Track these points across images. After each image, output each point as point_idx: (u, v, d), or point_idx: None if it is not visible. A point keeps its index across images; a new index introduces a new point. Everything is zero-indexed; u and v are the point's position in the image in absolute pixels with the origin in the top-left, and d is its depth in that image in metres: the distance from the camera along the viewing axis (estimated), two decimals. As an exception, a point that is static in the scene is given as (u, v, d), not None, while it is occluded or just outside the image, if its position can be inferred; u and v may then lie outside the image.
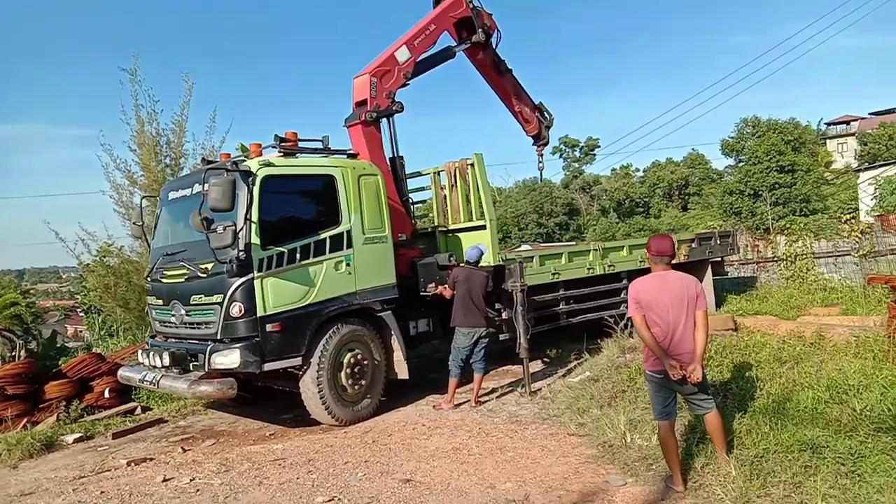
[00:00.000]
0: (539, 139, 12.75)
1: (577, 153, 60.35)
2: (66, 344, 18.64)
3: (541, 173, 13.91)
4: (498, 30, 11.18)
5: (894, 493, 4.31)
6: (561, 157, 60.74)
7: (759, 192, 40.02)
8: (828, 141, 63.64)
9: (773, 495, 4.61)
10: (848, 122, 65.56)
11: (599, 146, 59.67)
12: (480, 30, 10.67)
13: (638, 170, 61.69)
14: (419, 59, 9.81)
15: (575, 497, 5.22)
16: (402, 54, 9.50)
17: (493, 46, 11.26)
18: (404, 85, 9.58)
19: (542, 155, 13.18)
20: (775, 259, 16.66)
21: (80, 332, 29.76)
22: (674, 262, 11.58)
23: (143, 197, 9.94)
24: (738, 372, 7.22)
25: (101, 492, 6.11)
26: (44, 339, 17.54)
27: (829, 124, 66.62)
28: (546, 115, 12.60)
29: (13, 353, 14.54)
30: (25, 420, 8.52)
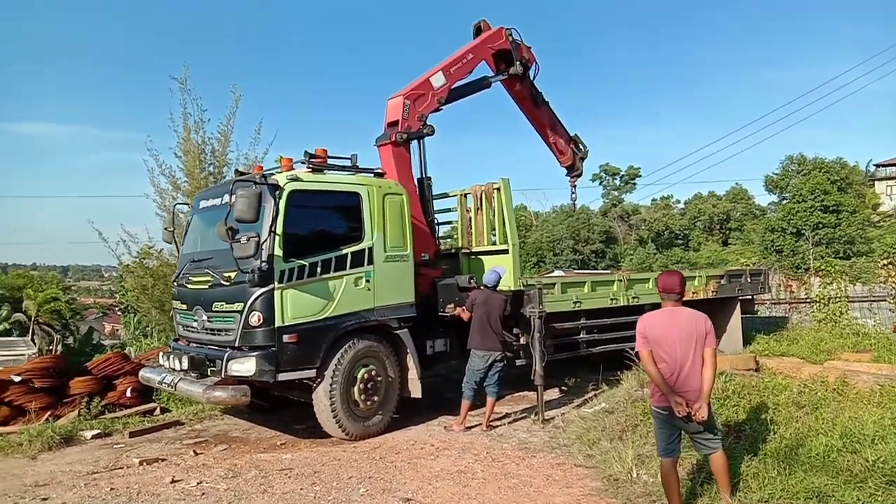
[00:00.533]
0: (573, 170, 12.83)
1: (617, 181, 59.93)
2: (102, 341, 19.12)
3: (574, 204, 13.98)
4: (536, 62, 11.31)
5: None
6: (601, 184, 60.35)
7: (802, 231, 39.23)
8: (876, 182, 62.09)
9: (773, 542, 4.52)
10: (899, 165, 63.89)
11: (640, 175, 59.19)
12: (519, 62, 10.82)
13: (679, 201, 60.91)
14: (454, 86, 9.95)
15: (572, 529, 5.18)
16: (438, 80, 9.65)
17: (531, 79, 11.38)
18: (437, 110, 9.72)
19: (575, 186, 13.28)
20: (808, 301, 16.31)
21: (117, 330, 30.47)
22: (702, 298, 11.49)
23: (177, 203, 10.21)
24: (754, 413, 7.09)
25: (111, 488, 6.25)
26: (80, 336, 18.06)
27: (878, 165, 65.03)
28: (581, 147, 12.66)
29: (50, 347, 14.99)
30: (49, 413, 8.77)
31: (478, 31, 10.75)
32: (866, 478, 5.21)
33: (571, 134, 12.50)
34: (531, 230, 56.83)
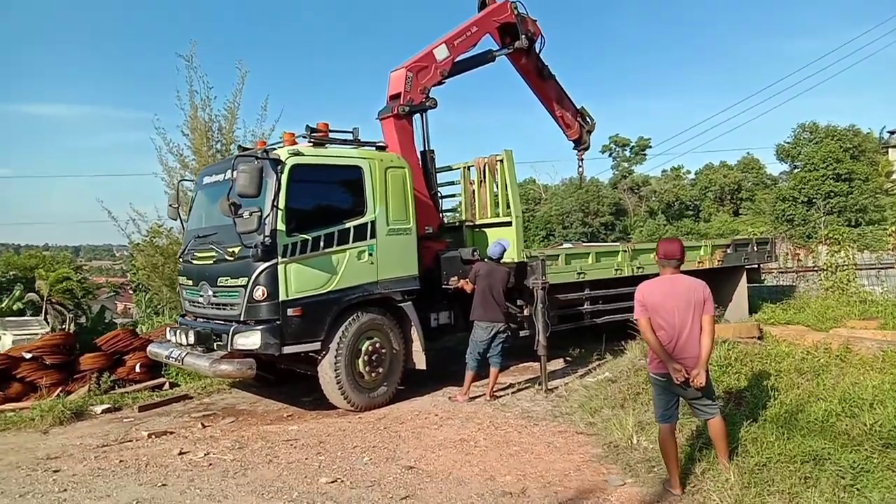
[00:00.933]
0: (580, 144, 12.76)
1: (627, 153, 59.59)
2: (115, 320, 19.35)
3: (581, 177, 13.89)
4: (542, 35, 11.25)
5: (889, 510, 4.24)
6: (610, 155, 60.09)
7: (814, 200, 38.99)
8: (890, 150, 61.33)
9: (769, 504, 4.58)
10: (913, 131, 63.03)
11: (651, 146, 58.84)
12: (524, 36, 10.75)
13: (689, 172, 60.54)
14: (458, 58, 9.90)
15: (572, 493, 5.26)
16: (441, 52, 9.59)
17: (537, 52, 11.30)
18: (440, 83, 9.68)
19: (582, 159, 13.28)
20: (815, 269, 16.25)
21: (129, 308, 30.79)
22: (708, 267, 11.50)
23: (181, 180, 10.27)
24: (756, 380, 7.11)
25: (121, 460, 6.39)
26: (93, 314, 18.26)
27: (892, 133, 64.16)
28: (588, 119, 12.58)
29: (63, 326, 15.19)
30: (60, 389, 8.94)
31: (482, 4, 10.69)
32: (863, 441, 5.24)
33: (578, 107, 12.43)
34: (540, 203, 56.79)
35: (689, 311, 4.91)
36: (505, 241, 8.75)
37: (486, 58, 10.74)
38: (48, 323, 15.79)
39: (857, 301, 13.22)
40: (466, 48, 10.06)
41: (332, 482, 5.64)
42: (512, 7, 10.62)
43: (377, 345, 8.13)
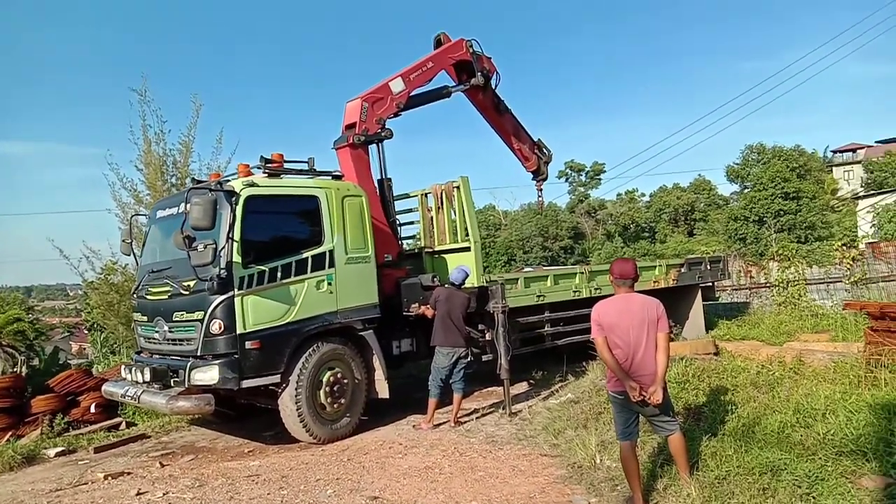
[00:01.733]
0: (538, 175, 13.03)
1: (582, 177, 60.58)
2: (70, 360, 18.78)
3: (541, 207, 14.10)
4: (497, 72, 11.50)
5: (844, 516, 4.34)
6: (567, 181, 61.01)
7: (764, 219, 40.08)
8: (834, 168, 63.63)
9: (729, 517, 4.64)
10: (854, 150, 65.52)
11: (605, 171, 59.94)
12: (480, 73, 10.99)
13: (644, 195, 61.83)
14: (413, 92, 10.04)
15: (537, 516, 5.26)
16: (397, 85, 9.72)
17: (493, 88, 11.54)
18: (396, 115, 9.80)
19: (541, 189, 13.53)
20: (768, 285, 16.67)
21: (84, 349, 29.92)
22: (663, 287, 11.71)
23: (134, 215, 10.11)
24: (713, 395, 7.25)
25: (75, 504, 6.19)
26: (46, 356, 17.72)
27: (835, 152, 66.62)
28: (545, 151, 12.89)
29: (14, 369, 14.69)
30: (10, 434, 8.65)
31: (438, 43, 10.94)
32: (817, 450, 5.37)
33: (535, 139, 12.72)
34: (501, 229, 57.24)
35: (644, 329, 4.99)
36: (466, 267, 8.81)
37: (441, 93, 10.95)
38: (-2, 366, 15.25)
39: (808, 315, 13.60)
40: (422, 82, 10.23)
41: (295, 516, 5.55)
42: (467, 45, 10.88)
43: (339, 375, 8.06)
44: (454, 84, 11.08)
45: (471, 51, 10.90)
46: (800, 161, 48.32)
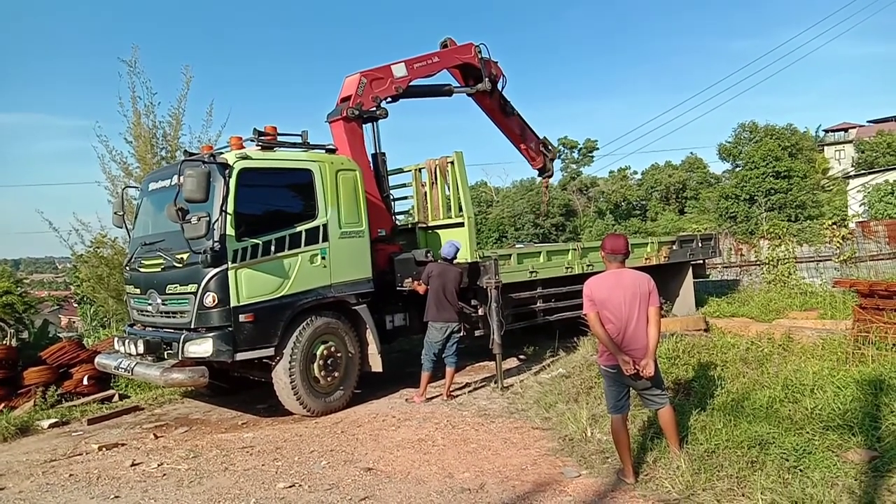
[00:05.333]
0: (544, 171, 13.22)
1: (575, 154, 60.49)
2: (59, 334, 18.76)
3: (545, 205, 14.34)
4: (504, 75, 11.56)
5: (829, 487, 4.42)
6: (559, 158, 60.88)
7: (755, 198, 40.21)
8: (825, 148, 63.83)
9: (718, 488, 4.72)
10: (846, 130, 65.72)
11: (598, 148, 59.85)
12: (487, 79, 11.06)
13: (636, 172, 61.85)
14: (414, 81, 10.02)
15: (528, 487, 5.34)
16: (399, 70, 9.71)
17: (500, 90, 11.57)
18: (394, 99, 9.82)
19: (547, 186, 13.85)
20: (758, 263, 16.81)
21: (74, 322, 29.86)
22: (655, 264, 11.78)
23: (125, 187, 10.05)
24: (703, 371, 7.33)
25: (70, 475, 6.22)
26: (35, 329, 17.69)
27: (826, 131, 66.78)
28: (550, 148, 13.09)
29: (4, 342, 14.66)
30: (3, 405, 8.66)
31: (444, 47, 10.89)
32: (805, 425, 5.46)
33: (540, 137, 12.81)
34: (492, 206, 57.21)
35: (636, 304, 5.05)
36: (457, 242, 8.82)
37: (443, 90, 11.06)
38: (-12, 338, 15.21)
39: (798, 293, 13.73)
40: (424, 74, 10.24)
41: (290, 487, 5.60)
42: (476, 50, 10.92)
43: (332, 349, 8.09)
44: (458, 85, 11.15)
45: (479, 56, 10.96)
46: (791, 140, 48.43)
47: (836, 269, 15.69)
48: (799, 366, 6.86)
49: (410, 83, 9.90)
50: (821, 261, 16.09)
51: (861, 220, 19.62)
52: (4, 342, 13.29)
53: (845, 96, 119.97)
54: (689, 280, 13.03)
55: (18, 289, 27.92)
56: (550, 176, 13.51)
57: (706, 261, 14.09)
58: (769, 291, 14.36)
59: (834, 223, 17.22)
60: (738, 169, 48.43)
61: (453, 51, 10.76)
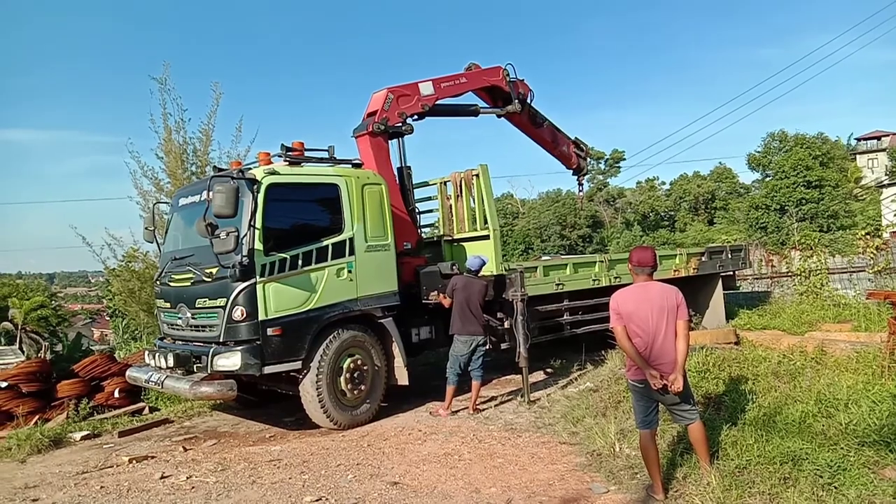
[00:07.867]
0: (579, 171, 13.40)
1: (601, 165, 60.21)
2: (92, 347, 19.12)
3: (581, 200, 14.57)
4: (531, 91, 11.62)
5: (865, 505, 4.32)
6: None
7: (786, 207, 39.62)
8: (857, 156, 62.73)
9: (749, 505, 4.64)
10: (878, 138, 64.54)
11: (624, 158, 59.55)
12: (517, 100, 11.13)
13: (664, 183, 61.36)
14: (441, 100, 10.09)
15: (556, 503, 5.29)
16: (426, 88, 9.79)
17: (529, 104, 11.65)
18: (420, 117, 9.87)
19: (581, 184, 14.02)
20: (789, 274, 16.53)
21: (106, 335, 30.41)
22: (683, 275, 11.65)
23: (156, 203, 10.22)
24: (734, 385, 7.22)
25: (101, 486, 6.31)
26: (69, 342, 18.03)
27: (859, 139, 65.66)
28: (583, 147, 13.21)
29: (39, 354, 14.96)
30: (37, 417, 8.80)
31: (469, 70, 10.97)
32: (839, 440, 5.35)
33: (572, 138, 12.93)
34: (518, 217, 57.14)
35: (663, 317, 4.98)
36: (483, 255, 8.82)
37: (469, 110, 11.11)
38: (23, 351, 15.55)
39: (830, 305, 13.47)
40: (451, 94, 10.29)
41: (317, 501, 5.62)
42: (504, 73, 11.00)
43: (359, 362, 8.12)
44: (485, 105, 11.23)
45: (507, 79, 11.03)
46: (822, 149, 47.55)
47: (869, 280, 15.37)
48: (832, 380, 6.72)
49: (437, 102, 9.96)
50: (854, 272, 15.78)
51: (895, 230, 19.20)
52: (39, 355, 13.56)
53: (877, 104, 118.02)
54: (718, 292, 12.86)
55: (53, 302, 28.55)
56: (586, 173, 13.79)
57: (736, 272, 13.91)
58: (801, 303, 14.11)
59: (867, 233, 16.88)
60: (767, 179, 47.77)
61: (481, 73, 10.83)
